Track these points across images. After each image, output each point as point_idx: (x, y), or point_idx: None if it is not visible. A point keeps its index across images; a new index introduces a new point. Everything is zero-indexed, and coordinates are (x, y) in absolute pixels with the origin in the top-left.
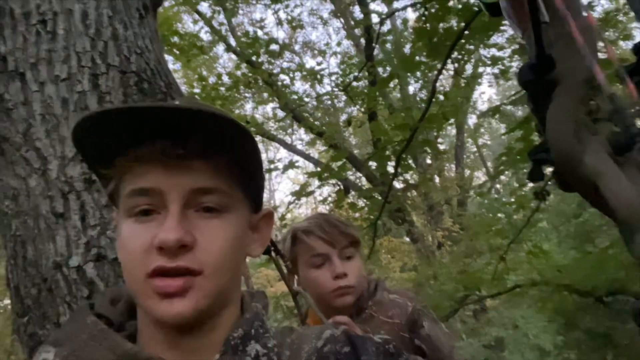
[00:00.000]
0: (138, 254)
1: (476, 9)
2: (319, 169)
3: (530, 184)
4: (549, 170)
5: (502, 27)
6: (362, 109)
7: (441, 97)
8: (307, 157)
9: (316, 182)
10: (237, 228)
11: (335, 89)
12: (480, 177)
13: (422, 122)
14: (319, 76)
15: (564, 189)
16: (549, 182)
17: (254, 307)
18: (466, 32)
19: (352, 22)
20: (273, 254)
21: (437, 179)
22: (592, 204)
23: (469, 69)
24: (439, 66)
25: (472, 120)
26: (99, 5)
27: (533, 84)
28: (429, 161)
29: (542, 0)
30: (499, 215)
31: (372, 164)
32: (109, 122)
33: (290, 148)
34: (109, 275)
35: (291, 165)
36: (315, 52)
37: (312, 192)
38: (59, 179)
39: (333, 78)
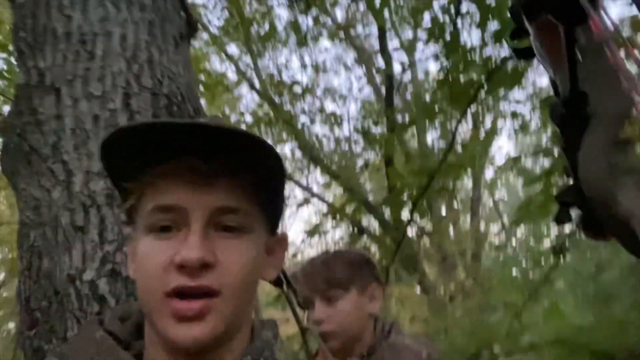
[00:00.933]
0: (157, 272)
1: (498, 63)
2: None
3: (545, 241)
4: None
5: (522, 82)
6: (379, 155)
7: (459, 148)
8: (322, 199)
9: (329, 224)
10: (255, 250)
11: (354, 133)
12: (495, 231)
13: (440, 169)
14: (339, 119)
15: (591, 235)
16: (568, 238)
17: (264, 336)
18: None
19: (374, 71)
20: (285, 287)
21: (451, 231)
22: (626, 247)
23: (488, 121)
24: (458, 116)
25: (489, 173)
26: (138, 30)
27: (565, 119)
28: (443, 212)
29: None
30: (514, 271)
31: (385, 210)
32: (139, 136)
33: (306, 189)
34: (120, 292)
35: (306, 200)
36: (336, 97)
37: (325, 232)
38: (82, 192)
39: (352, 122)
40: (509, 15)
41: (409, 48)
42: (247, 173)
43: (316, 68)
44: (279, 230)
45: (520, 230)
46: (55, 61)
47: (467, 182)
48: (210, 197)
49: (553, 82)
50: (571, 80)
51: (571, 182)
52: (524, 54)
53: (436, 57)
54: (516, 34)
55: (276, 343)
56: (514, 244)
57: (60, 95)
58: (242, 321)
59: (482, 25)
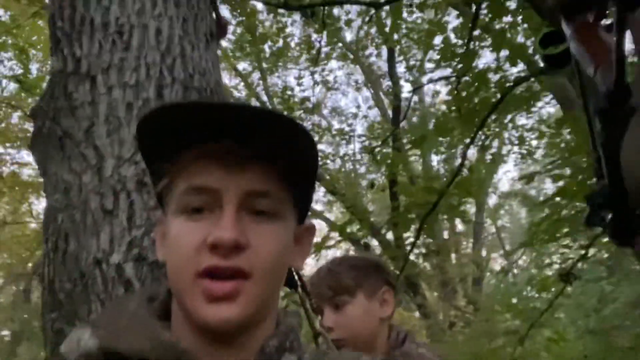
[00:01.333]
0: (189, 252)
1: (511, 84)
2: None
3: (549, 268)
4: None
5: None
6: (384, 176)
7: (465, 171)
8: (325, 219)
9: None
10: (286, 236)
11: (361, 152)
12: (497, 258)
13: (447, 190)
14: (347, 136)
15: (618, 241)
16: (577, 265)
17: (288, 322)
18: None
19: (382, 94)
20: (300, 290)
21: (453, 256)
22: None
23: (494, 146)
24: (468, 139)
25: (492, 200)
26: (172, 25)
27: (608, 114)
28: (445, 236)
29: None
30: (514, 300)
31: (388, 231)
32: (177, 116)
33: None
34: (146, 277)
35: (312, 214)
36: (344, 118)
37: (331, 246)
38: (113, 177)
39: (359, 140)
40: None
41: (419, 68)
42: (281, 158)
43: (326, 86)
44: (307, 220)
45: (523, 258)
46: (92, 50)
47: (470, 207)
48: (243, 180)
49: (582, 87)
50: (617, 72)
51: (599, 184)
52: (556, 61)
53: (447, 79)
54: (547, 40)
55: (300, 330)
56: (516, 271)
57: (95, 82)
58: (269, 306)
59: (496, 49)
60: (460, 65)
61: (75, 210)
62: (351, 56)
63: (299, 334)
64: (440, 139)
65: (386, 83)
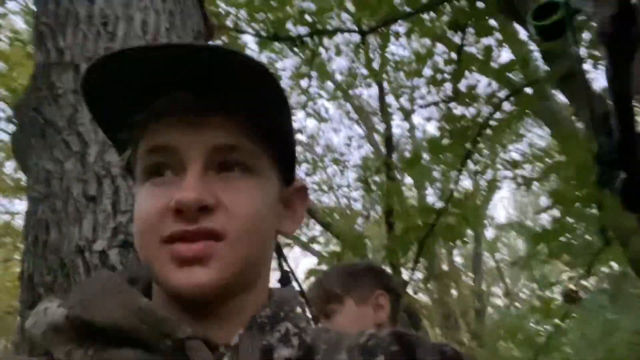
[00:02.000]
0: (152, 218)
1: (502, 97)
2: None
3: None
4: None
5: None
6: (380, 208)
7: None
8: (322, 257)
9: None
10: (265, 194)
11: (355, 183)
12: (497, 292)
13: (445, 211)
14: (340, 166)
15: (632, 206)
16: (580, 283)
17: (282, 292)
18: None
19: (374, 132)
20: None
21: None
22: None
23: (488, 174)
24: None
25: (489, 233)
26: (159, 17)
27: (614, 38)
28: (444, 267)
29: None
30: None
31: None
32: (122, 70)
33: (305, 247)
34: (132, 263)
35: (312, 240)
36: (337, 153)
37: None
38: (97, 163)
39: (353, 170)
40: None
41: (409, 96)
42: (247, 108)
43: (317, 118)
44: (297, 181)
45: (524, 290)
46: (76, 40)
47: (468, 241)
48: (205, 135)
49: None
50: None
51: (609, 141)
52: (550, 32)
53: (436, 104)
54: (540, 13)
55: (296, 303)
56: (517, 304)
57: (79, 71)
58: (256, 274)
59: (483, 67)
60: (449, 88)
61: (56, 199)
62: (341, 95)
63: (295, 305)
64: (434, 167)
65: (379, 123)
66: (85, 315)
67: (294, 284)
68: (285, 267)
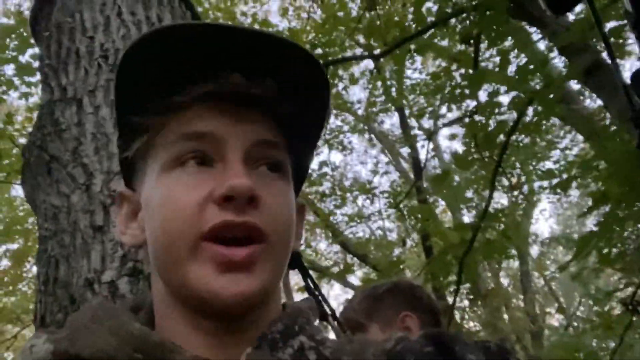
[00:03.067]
0: (192, 208)
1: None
2: None
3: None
4: None
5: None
6: (415, 231)
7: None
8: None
9: None
10: (293, 198)
11: (385, 209)
12: (552, 313)
13: (480, 226)
14: (370, 195)
15: None
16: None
17: (296, 304)
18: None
19: (400, 158)
20: (330, 319)
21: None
22: None
23: (524, 188)
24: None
25: (534, 251)
26: None
27: None
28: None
29: None
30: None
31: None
32: (165, 48)
33: (345, 284)
34: (143, 292)
35: (349, 268)
36: (364, 184)
37: None
38: (102, 192)
39: (383, 197)
40: None
41: (432, 114)
42: (291, 104)
43: (341, 149)
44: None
45: (581, 309)
46: (78, 76)
47: (513, 261)
48: (249, 126)
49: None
50: None
51: None
52: (561, 4)
53: (460, 120)
54: None
55: (313, 315)
56: (576, 324)
57: (81, 104)
58: (278, 284)
59: (502, 68)
60: (471, 105)
61: (64, 234)
62: (365, 127)
63: (310, 318)
64: (464, 185)
65: (404, 149)
66: (71, 349)
67: (325, 307)
68: (315, 291)
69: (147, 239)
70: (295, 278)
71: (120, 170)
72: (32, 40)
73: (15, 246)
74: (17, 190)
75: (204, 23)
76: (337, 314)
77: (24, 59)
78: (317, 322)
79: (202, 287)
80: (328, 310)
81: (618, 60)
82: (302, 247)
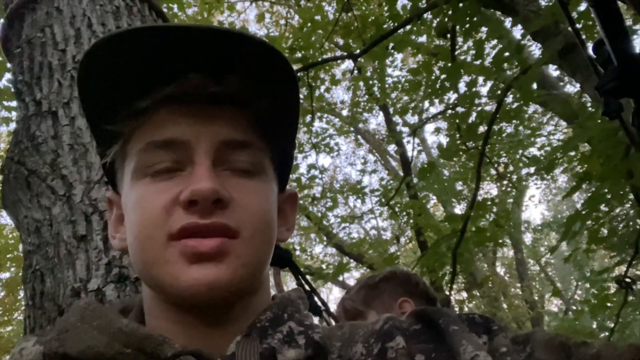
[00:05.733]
0: (158, 214)
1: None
2: None
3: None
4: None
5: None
6: (408, 227)
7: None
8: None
9: None
10: (271, 194)
11: (377, 208)
12: (550, 298)
13: (470, 214)
14: (360, 194)
15: None
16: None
17: (286, 294)
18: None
19: (388, 157)
20: (325, 315)
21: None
22: None
23: (511, 177)
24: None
25: (528, 239)
26: None
27: None
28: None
29: None
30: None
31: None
32: (124, 53)
33: (344, 286)
34: (131, 297)
35: (343, 267)
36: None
37: None
38: (83, 202)
39: (374, 195)
40: None
41: (413, 109)
42: (259, 99)
43: (327, 151)
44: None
45: (579, 292)
46: (52, 89)
47: (508, 249)
48: (216, 127)
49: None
50: None
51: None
52: None
53: (443, 113)
54: None
55: (302, 304)
56: (574, 307)
57: (57, 117)
58: (262, 276)
59: (478, 58)
60: (453, 98)
61: (48, 246)
62: (352, 128)
63: (300, 306)
64: (452, 176)
65: (391, 147)
66: (61, 348)
67: (319, 303)
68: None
69: (128, 239)
70: (289, 282)
71: (100, 178)
72: (9, 64)
73: (7, 275)
74: (6, 218)
75: (159, 25)
76: (333, 312)
77: (1, 83)
78: (306, 311)
79: (175, 282)
80: (321, 305)
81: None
82: (297, 252)
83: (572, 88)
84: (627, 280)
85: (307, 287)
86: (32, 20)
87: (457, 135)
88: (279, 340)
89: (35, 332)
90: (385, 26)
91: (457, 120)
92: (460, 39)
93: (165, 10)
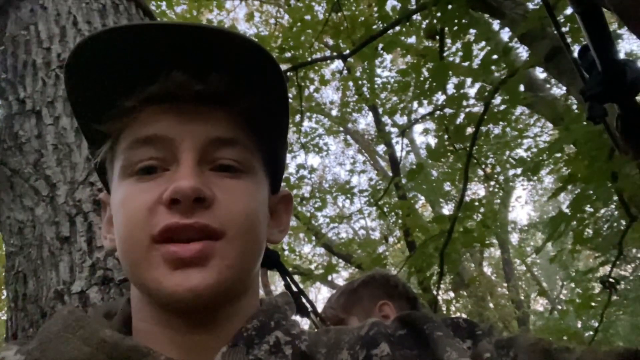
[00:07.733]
0: (141, 214)
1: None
2: None
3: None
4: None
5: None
6: (397, 227)
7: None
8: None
9: None
10: (259, 193)
11: (366, 208)
12: (537, 298)
13: (458, 216)
14: (349, 195)
15: (634, 143)
16: (616, 264)
17: (273, 300)
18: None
19: (378, 157)
20: (313, 316)
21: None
22: None
23: (498, 178)
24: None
25: (514, 239)
26: None
27: None
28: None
29: None
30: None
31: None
32: (109, 51)
33: (333, 286)
34: (115, 299)
35: (332, 268)
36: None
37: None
38: (67, 203)
39: (363, 196)
40: None
41: (402, 110)
42: (245, 97)
43: (316, 151)
44: (281, 190)
45: (564, 292)
46: (35, 88)
47: (495, 249)
48: (201, 126)
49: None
50: None
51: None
52: None
53: (431, 114)
54: None
55: (290, 310)
56: (560, 307)
57: (41, 116)
58: (249, 279)
59: (465, 60)
60: (441, 99)
61: (31, 247)
62: (341, 128)
63: (287, 313)
64: (439, 177)
65: (380, 147)
66: (43, 359)
67: (306, 304)
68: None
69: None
70: (277, 282)
71: (84, 178)
72: None
73: None
74: None
75: (142, 23)
76: (321, 314)
77: None
78: (293, 317)
79: (158, 286)
80: (309, 306)
81: (578, 45)
82: (286, 252)
83: (558, 90)
84: (611, 280)
85: (294, 288)
86: (16, 17)
87: (445, 137)
88: (266, 351)
89: (17, 341)
90: (374, 27)
91: (446, 122)
92: (448, 41)
93: (153, 8)
